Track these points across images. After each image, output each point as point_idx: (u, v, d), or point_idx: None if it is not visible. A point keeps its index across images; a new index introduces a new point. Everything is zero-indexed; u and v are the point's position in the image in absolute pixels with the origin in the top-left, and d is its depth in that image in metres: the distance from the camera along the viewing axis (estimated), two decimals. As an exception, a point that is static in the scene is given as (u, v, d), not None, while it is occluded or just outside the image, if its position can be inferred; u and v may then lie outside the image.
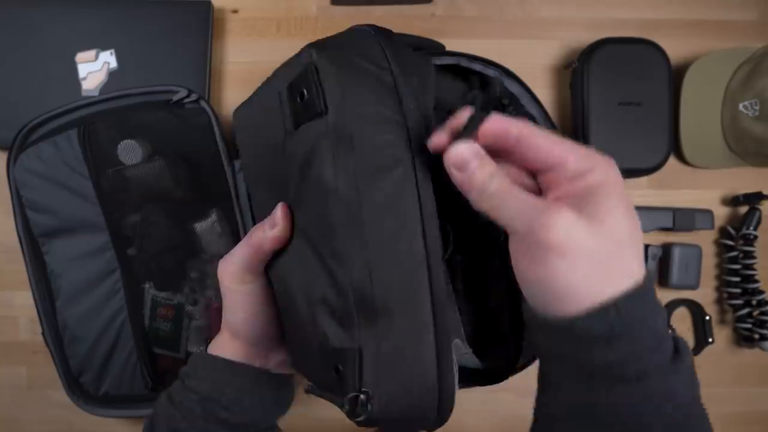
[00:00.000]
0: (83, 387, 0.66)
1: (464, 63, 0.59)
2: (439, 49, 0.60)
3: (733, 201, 0.74)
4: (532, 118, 0.60)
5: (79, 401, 0.66)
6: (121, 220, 0.64)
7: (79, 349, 0.65)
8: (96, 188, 0.63)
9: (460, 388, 0.38)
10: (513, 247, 0.27)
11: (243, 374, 0.43)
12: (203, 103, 0.63)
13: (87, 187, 0.63)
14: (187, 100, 0.62)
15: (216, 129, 0.63)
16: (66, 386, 0.66)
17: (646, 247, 0.72)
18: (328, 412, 0.75)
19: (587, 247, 0.25)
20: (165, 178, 0.63)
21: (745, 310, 0.72)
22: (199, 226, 0.65)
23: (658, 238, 0.74)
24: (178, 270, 0.65)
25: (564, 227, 0.25)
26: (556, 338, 0.27)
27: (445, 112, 0.64)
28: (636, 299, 0.26)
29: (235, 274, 0.40)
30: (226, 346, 0.44)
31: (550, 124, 0.60)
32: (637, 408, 0.26)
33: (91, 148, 0.62)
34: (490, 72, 0.59)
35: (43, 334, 0.65)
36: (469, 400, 0.75)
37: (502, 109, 0.63)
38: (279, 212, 0.38)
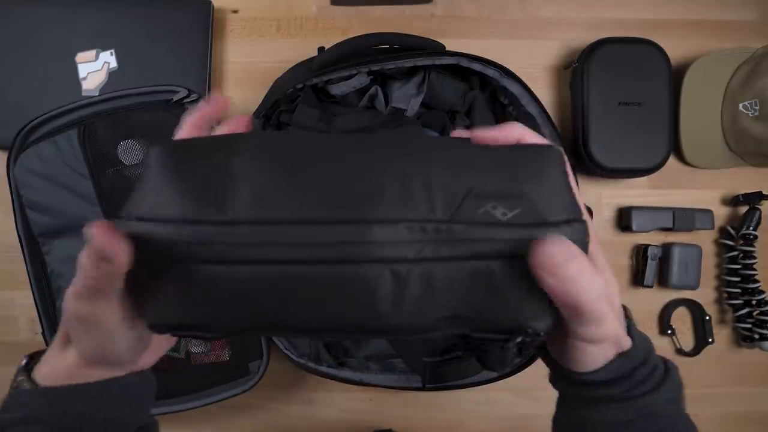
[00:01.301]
0: None
1: (464, 63, 0.59)
2: (438, 49, 0.60)
3: (733, 201, 0.74)
4: (531, 118, 0.60)
5: None
6: None
7: None
8: (96, 188, 0.63)
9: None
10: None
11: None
12: None
13: (87, 186, 0.63)
14: (187, 100, 0.62)
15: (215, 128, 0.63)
16: None
17: (646, 247, 0.72)
18: (328, 412, 0.75)
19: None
20: None
21: (745, 310, 0.72)
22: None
23: (658, 238, 0.74)
24: None
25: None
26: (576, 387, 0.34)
27: (444, 112, 0.64)
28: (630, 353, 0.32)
29: None
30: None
31: (549, 124, 0.60)
32: (626, 418, 0.33)
33: (91, 148, 0.62)
34: (490, 72, 0.59)
35: (43, 334, 0.65)
36: (469, 400, 0.75)
37: (502, 108, 0.63)
38: None
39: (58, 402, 0.31)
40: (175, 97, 0.62)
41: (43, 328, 0.65)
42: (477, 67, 0.59)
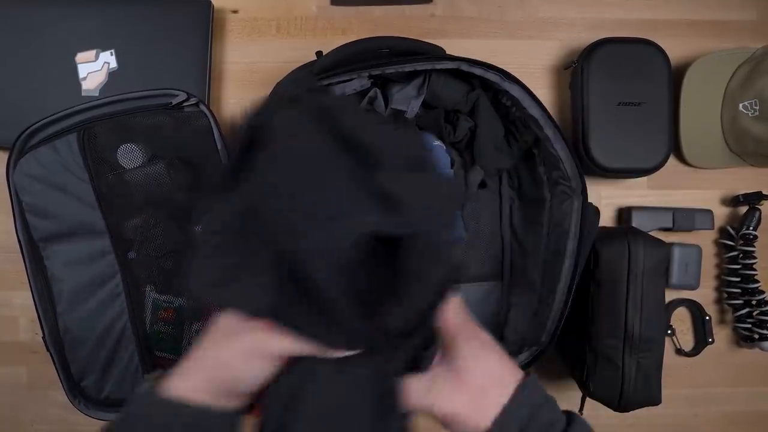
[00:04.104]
0: (85, 391, 0.66)
1: (464, 67, 0.59)
2: (438, 54, 0.60)
3: (733, 201, 0.74)
4: (534, 120, 0.60)
5: (81, 405, 0.66)
6: (122, 223, 0.64)
7: (80, 354, 0.65)
8: (96, 192, 0.63)
9: None
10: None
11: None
12: (203, 107, 0.63)
13: (87, 191, 0.63)
14: (186, 103, 0.62)
15: (215, 132, 0.63)
16: (67, 391, 0.66)
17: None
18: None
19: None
20: (165, 182, 0.63)
21: (745, 310, 0.72)
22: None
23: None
24: (179, 272, 0.65)
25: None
26: None
27: (441, 110, 0.64)
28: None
29: None
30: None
31: (552, 124, 0.60)
32: None
33: (91, 153, 0.62)
34: (491, 76, 0.59)
35: (44, 338, 0.66)
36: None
37: (506, 110, 0.63)
38: None
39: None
40: (174, 101, 0.62)
41: (43, 333, 0.65)
42: (477, 71, 0.59)
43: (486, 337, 0.39)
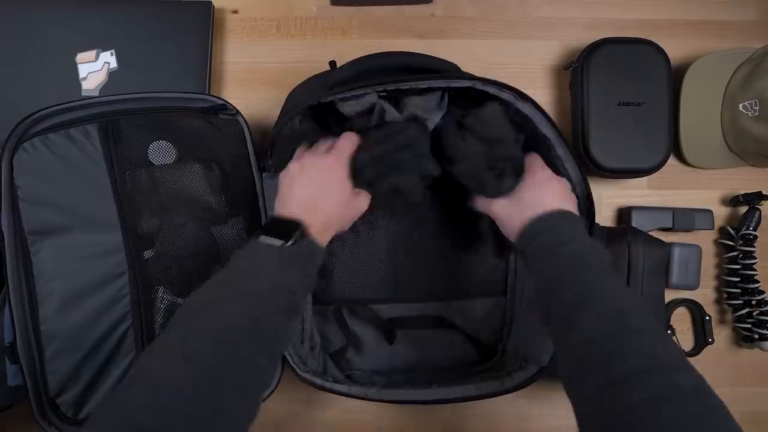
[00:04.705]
0: (60, 408, 0.61)
1: (478, 86, 0.57)
2: (452, 70, 0.59)
3: (733, 201, 0.74)
4: (545, 139, 0.59)
5: (50, 427, 0.60)
6: (141, 220, 0.61)
7: (64, 364, 0.61)
8: (114, 185, 0.60)
9: None
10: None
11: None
12: (239, 118, 0.62)
13: (103, 183, 0.60)
14: (223, 113, 0.62)
15: (249, 141, 0.62)
16: (35, 408, 0.60)
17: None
18: (330, 412, 0.75)
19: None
20: (198, 182, 0.62)
21: (745, 310, 0.72)
22: (226, 233, 0.64)
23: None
24: (201, 275, 0.62)
25: None
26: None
27: (456, 127, 0.63)
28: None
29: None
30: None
31: (563, 143, 0.59)
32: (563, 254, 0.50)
33: (116, 145, 0.60)
34: (504, 96, 0.58)
35: (11, 344, 0.60)
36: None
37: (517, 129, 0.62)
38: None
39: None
40: (208, 106, 0.62)
41: (13, 339, 0.60)
42: (491, 90, 0.57)
43: (546, 176, 0.56)
